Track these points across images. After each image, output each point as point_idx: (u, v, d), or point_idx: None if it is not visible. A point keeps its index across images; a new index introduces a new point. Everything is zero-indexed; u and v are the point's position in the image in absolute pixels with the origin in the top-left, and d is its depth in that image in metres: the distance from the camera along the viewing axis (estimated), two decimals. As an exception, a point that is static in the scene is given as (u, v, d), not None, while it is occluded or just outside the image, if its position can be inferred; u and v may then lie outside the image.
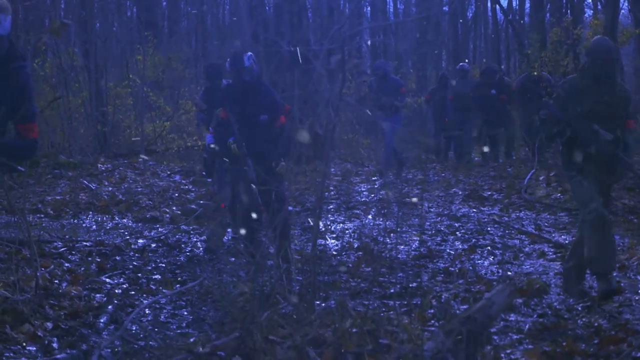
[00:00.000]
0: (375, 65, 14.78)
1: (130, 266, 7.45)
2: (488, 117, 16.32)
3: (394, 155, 14.47)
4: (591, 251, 6.04)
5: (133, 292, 6.47)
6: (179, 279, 7.07)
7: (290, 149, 8.08)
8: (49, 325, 5.23)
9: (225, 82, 8.97)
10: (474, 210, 11.03)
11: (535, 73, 16.18)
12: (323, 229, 9.04)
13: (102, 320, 5.44)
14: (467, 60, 21.57)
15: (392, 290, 6.27)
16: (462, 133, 16.88)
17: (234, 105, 7.54)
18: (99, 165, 15.35)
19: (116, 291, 6.46)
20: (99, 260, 7.55)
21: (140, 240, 8.69)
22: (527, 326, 5.37)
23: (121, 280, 6.95)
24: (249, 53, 7.56)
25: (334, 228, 9.62)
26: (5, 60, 4.87)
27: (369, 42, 32.07)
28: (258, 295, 4.60)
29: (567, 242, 8.44)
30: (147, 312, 5.94)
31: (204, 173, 10.18)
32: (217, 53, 24.63)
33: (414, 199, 11.35)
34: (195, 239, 8.88)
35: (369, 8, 35.32)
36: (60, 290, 6.15)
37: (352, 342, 4.24)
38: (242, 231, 6.79)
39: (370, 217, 10.36)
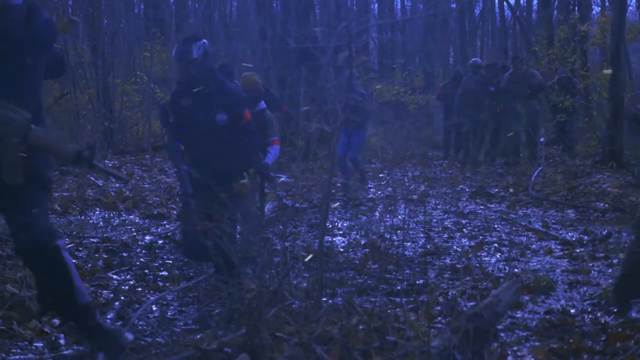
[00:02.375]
0: (343, 75, 13.81)
1: (137, 263, 7.46)
2: (494, 115, 16.27)
3: (354, 166, 13.24)
4: (620, 280, 5.66)
5: (140, 289, 6.48)
6: (185, 275, 7.08)
7: (253, 155, 6.67)
8: (56, 321, 5.24)
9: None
10: (481, 207, 11.02)
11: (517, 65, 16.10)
12: (330, 226, 9.04)
13: (109, 317, 5.45)
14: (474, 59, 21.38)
15: (398, 287, 6.27)
16: (470, 129, 16.84)
17: (183, 113, 6.22)
18: (106, 161, 15.38)
19: (123, 287, 6.47)
20: (106, 256, 7.56)
21: (147, 237, 8.70)
22: (534, 323, 5.37)
23: (128, 276, 6.96)
24: (202, 41, 6.22)
25: (341, 225, 9.62)
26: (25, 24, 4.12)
27: (376, 39, 32.05)
28: (265, 291, 4.60)
29: (574, 239, 8.44)
30: (154, 308, 5.95)
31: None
32: (224, 50, 24.65)
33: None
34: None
35: (376, 5, 35.36)
36: (68, 287, 6.16)
37: (359, 339, 4.24)
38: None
39: (377, 214, 10.36)
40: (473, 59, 18.54)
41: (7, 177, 3.92)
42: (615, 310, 5.53)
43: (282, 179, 9.67)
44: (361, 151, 13.60)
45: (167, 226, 9.50)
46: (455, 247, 8.24)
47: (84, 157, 4.05)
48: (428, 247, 8.24)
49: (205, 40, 6.23)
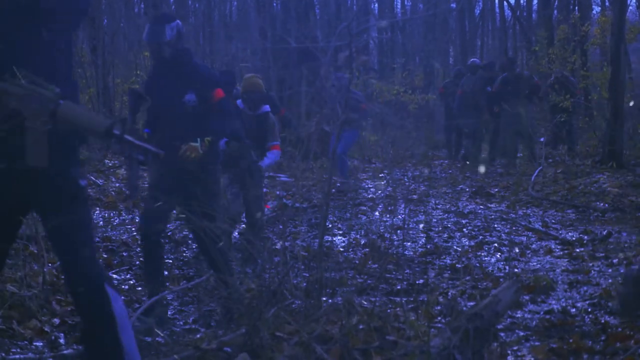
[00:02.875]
0: (334, 77, 13.45)
1: (137, 262, 7.46)
2: (493, 116, 16.18)
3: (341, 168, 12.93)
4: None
5: (140, 288, 6.47)
6: (185, 275, 7.07)
7: (226, 129, 6.24)
8: (56, 321, 5.24)
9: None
10: (481, 207, 11.02)
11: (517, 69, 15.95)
12: (330, 226, 9.04)
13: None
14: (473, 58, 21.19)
15: (398, 287, 6.27)
16: (471, 130, 16.79)
17: (155, 96, 5.89)
18: (106, 161, 15.37)
19: (123, 287, 6.47)
20: (105, 256, 7.56)
21: (147, 236, 8.68)
22: (533, 323, 5.37)
23: (128, 276, 6.96)
24: (176, 21, 5.90)
25: (341, 225, 9.62)
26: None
27: (376, 39, 32.05)
28: (265, 291, 4.60)
29: (574, 238, 8.44)
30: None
31: None
32: (224, 50, 24.65)
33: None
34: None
35: (376, 5, 35.36)
36: (68, 286, 6.16)
37: (359, 338, 4.24)
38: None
39: (377, 213, 10.36)
40: (471, 59, 18.46)
41: (30, 158, 3.47)
42: (621, 312, 5.50)
43: (282, 178, 9.64)
44: (349, 148, 13.54)
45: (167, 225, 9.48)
46: (455, 247, 8.24)
47: (115, 131, 3.55)
48: (428, 246, 8.24)
49: (179, 21, 5.90)
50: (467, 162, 16.36)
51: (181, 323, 5.63)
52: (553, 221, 9.65)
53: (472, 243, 8.43)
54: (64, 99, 3.49)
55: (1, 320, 5.05)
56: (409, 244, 8.25)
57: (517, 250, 7.94)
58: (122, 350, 3.60)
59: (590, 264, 7.21)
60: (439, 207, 11.08)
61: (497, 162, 16.10)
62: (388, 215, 9.56)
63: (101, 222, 9.69)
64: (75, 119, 3.49)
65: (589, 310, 5.67)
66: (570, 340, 4.83)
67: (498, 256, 7.76)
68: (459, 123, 17.03)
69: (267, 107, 8.44)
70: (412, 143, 20.49)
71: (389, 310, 4.89)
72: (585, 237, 8.50)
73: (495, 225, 9.44)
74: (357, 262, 7.19)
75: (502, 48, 27.41)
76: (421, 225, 9.35)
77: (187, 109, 5.83)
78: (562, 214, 10.15)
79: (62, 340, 4.96)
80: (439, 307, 5.57)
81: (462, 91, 16.71)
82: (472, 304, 5.51)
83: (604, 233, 8.43)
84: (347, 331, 4.23)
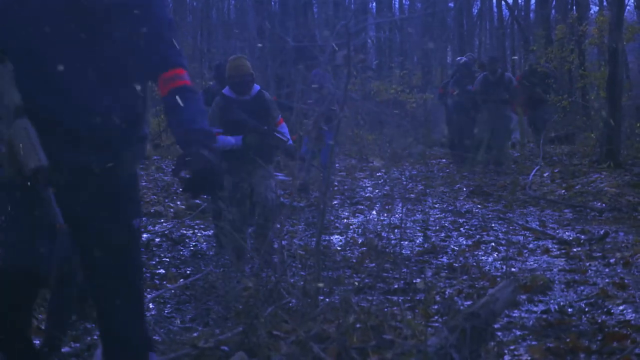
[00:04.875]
0: (312, 74, 13.02)
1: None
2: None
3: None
4: None
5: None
6: (183, 273, 7.07)
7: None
8: (53, 319, 5.23)
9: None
10: (478, 206, 11.02)
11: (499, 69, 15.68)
12: (327, 225, 9.03)
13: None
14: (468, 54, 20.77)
15: (395, 286, 6.27)
16: (465, 129, 16.68)
17: None
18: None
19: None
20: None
21: (145, 235, 8.68)
22: (530, 322, 5.37)
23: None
24: None
25: (338, 223, 9.62)
26: None
27: (374, 38, 32.05)
28: (262, 290, 4.60)
29: (571, 238, 8.44)
30: (151, 306, 5.94)
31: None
32: (222, 48, 24.63)
33: None
34: (199, 234, 8.87)
35: (374, 4, 35.35)
36: (65, 284, 6.15)
37: (356, 337, 4.24)
38: None
39: (374, 212, 10.35)
40: (459, 58, 18.08)
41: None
42: None
43: (280, 177, 9.59)
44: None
45: (164, 224, 9.49)
46: (452, 246, 8.24)
47: (42, 176, 2.85)
48: (425, 246, 8.24)
49: None
50: (464, 162, 16.26)
51: (178, 322, 5.62)
52: (550, 221, 9.65)
53: (470, 242, 8.44)
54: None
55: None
56: (406, 243, 8.25)
57: (514, 250, 7.94)
58: None
59: (588, 264, 7.21)
60: (436, 206, 11.09)
61: (491, 162, 16.03)
62: (385, 214, 9.56)
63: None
64: (15, 143, 2.87)
65: (586, 310, 5.68)
66: (567, 340, 4.82)
67: (495, 255, 7.76)
68: (455, 123, 16.92)
69: (257, 86, 8.03)
70: (410, 142, 20.46)
71: (386, 309, 4.90)
72: (583, 236, 8.49)
73: (493, 225, 9.44)
74: (354, 261, 7.19)
75: (500, 47, 27.41)
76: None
77: None
78: (559, 213, 10.16)
79: (59, 339, 4.95)
80: (436, 307, 5.57)
81: (455, 92, 16.51)
82: (469, 303, 5.51)
83: (601, 233, 8.43)
84: (344, 330, 4.23)
